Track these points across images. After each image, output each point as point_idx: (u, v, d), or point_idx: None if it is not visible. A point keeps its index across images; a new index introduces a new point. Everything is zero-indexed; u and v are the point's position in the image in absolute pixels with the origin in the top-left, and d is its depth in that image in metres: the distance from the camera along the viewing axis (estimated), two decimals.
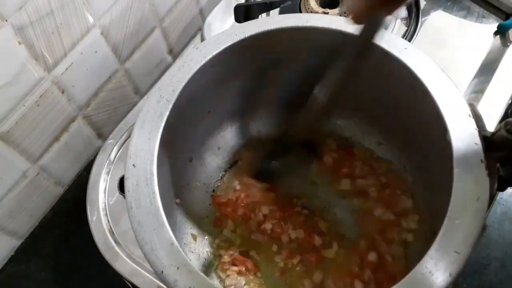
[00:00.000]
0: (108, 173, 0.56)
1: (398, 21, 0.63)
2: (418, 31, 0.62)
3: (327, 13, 0.61)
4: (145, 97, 0.64)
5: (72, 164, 0.60)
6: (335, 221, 0.50)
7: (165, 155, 0.43)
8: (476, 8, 0.65)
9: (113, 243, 0.51)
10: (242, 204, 0.50)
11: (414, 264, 0.33)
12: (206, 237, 0.50)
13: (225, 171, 0.55)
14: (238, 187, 0.52)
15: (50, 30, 0.46)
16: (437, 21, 0.65)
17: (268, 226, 0.49)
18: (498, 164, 0.37)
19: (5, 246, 0.56)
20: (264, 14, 0.64)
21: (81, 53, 0.52)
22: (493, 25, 0.63)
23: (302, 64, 0.49)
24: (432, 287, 0.32)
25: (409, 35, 0.61)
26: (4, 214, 0.53)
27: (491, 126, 0.52)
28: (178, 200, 0.48)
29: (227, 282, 0.47)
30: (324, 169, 0.53)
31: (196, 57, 0.44)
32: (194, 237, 0.50)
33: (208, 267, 0.49)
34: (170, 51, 0.67)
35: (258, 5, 0.63)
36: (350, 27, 0.44)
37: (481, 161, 0.36)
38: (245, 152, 0.55)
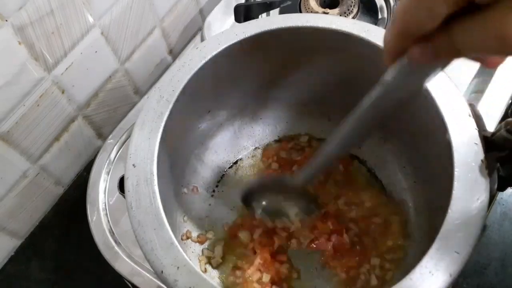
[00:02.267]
0: (108, 173, 0.55)
1: None
2: None
3: (327, 13, 0.61)
4: (145, 97, 0.64)
5: (72, 164, 0.60)
6: None
7: (165, 155, 0.43)
8: None
9: (113, 243, 0.51)
10: None
11: (414, 264, 0.33)
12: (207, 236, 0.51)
13: (225, 171, 0.55)
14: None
15: (50, 30, 0.46)
16: None
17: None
18: (498, 164, 0.37)
19: (5, 246, 0.56)
20: (264, 14, 0.64)
21: (81, 53, 0.51)
22: None
23: (302, 64, 0.49)
24: (432, 287, 0.32)
25: None
26: (4, 214, 0.53)
27: (491, 126, 0.52)
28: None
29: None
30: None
31: (196, 57, 0.44)
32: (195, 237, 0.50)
33: (208, 267, 0.49)
34: (170, 51, 0.67)
35: (258, 5, 0.63)
36: (350, 27, 0.44)
37: (481, 161, 0.36)
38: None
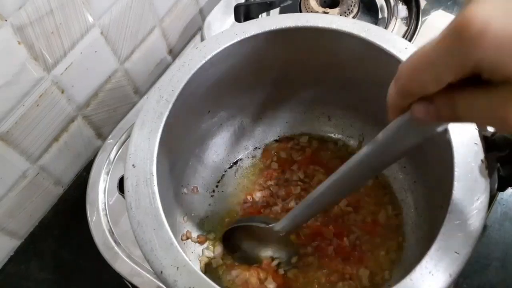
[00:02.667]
0: (107, 173, 0.55)
1: (399, 20, 0.63)
2: (419, 31, 0.62)
3: (327, 13, 0.61)
4: (145, 97, 0.64)
5: (71, 164, 0.60)
6: None
7: (165, 155, 0.43)
8: None
9: (113, 243, 0.51)
10: None
11: (414, 264, 0.33)
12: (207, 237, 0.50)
13: (225, 171, 0.55)
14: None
15: (49, 30, 0.46)
16: (437, 20, 0.65)
17: None
18: (498, 164, 0.37)
19: (5, 246, 0.56)
20: (264, 14, 0.64)
21: (81, 53, 0.51)
22: None
23: (302, 64, 0.49)
24: None
25: (409, 35, 0.61)
26: (4, 214, 0.53)
27: None
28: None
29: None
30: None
31: (196, 57, 0.44)
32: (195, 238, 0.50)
33: (208, 267, 0.49)
34: (170, 51, 0.67)
35: (258, 5, 0.63)
36: (350, 27, 0.44)
37: (481, 161, 0.36)
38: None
